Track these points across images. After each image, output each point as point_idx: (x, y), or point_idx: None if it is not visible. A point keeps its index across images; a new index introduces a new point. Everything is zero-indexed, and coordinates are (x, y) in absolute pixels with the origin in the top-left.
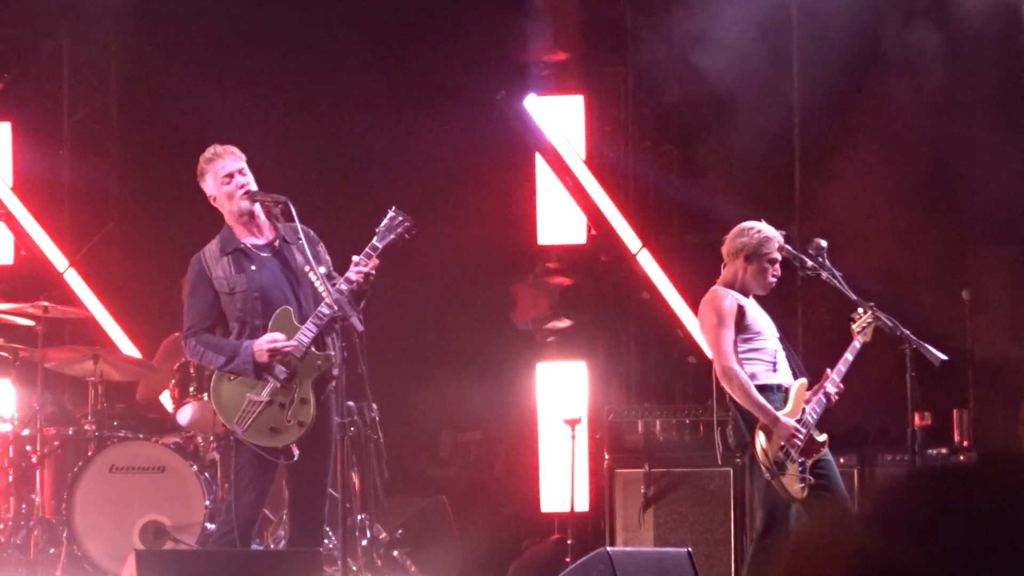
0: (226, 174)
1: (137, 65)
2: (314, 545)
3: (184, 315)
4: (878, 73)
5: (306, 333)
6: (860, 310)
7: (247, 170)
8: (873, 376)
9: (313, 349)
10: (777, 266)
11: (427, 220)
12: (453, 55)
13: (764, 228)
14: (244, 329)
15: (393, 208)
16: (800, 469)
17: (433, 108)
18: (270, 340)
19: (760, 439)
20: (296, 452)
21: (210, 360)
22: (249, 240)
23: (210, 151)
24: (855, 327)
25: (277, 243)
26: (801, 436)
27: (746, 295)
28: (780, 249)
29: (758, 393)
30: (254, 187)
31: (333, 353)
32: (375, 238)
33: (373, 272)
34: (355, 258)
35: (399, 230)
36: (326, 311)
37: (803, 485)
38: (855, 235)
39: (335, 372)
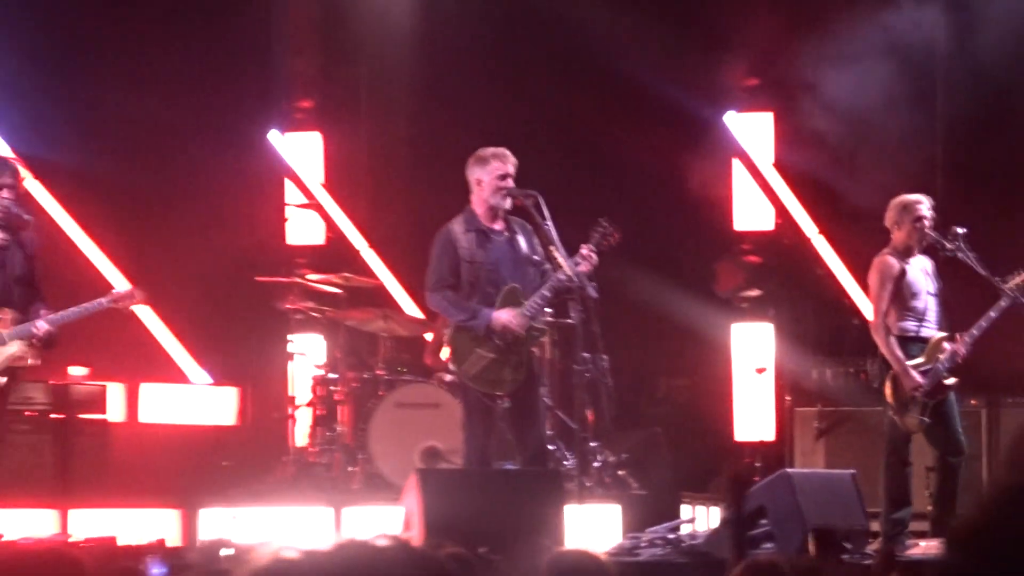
0: (503, 174)
1: (421, 83)
2: (542, 467)
3: (429, 273)
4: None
5: (530, 308)
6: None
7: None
8: (1003, 326)
9: (533, 323)
10: (926, 220)
11: (647, 214)
12: (671, 79)
13: (902, 199)
14: (474, 292)
15: (604, 219)
16: (920, 410)
17: (653, 122)
18: (508, 319)
19: (889, 385)
20: (507, 401)
21: (451, 313)
22: (488, 224)
23: (500, 150)
24: (1013, 283)
25: (507, 232)
26: (922, 388)
27: (910, 255)
28: (920, 221)
29: (897, 348)
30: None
31: (546, 328)
32: (591, 244)
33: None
34: (584, 250)
35: (609, 239)
36: (562, 277)
37: (920, 423)
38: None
39: (546, 338)
